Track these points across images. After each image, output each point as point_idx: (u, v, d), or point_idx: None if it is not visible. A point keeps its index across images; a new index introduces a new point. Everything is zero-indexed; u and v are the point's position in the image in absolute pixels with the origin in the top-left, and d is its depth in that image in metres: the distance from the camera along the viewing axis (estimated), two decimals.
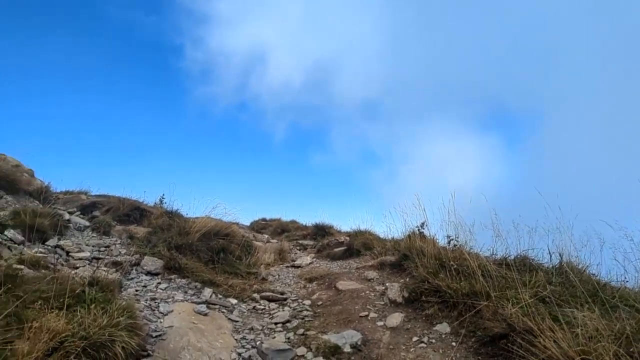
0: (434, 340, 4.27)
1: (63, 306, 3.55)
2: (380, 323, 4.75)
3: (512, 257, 6.14)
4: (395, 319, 4.76)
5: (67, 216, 7.76)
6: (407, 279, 5.78)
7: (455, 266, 4.97)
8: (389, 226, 8.71)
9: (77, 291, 3.86)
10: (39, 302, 3.40)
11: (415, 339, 4.35)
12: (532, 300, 4.26)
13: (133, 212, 8.47)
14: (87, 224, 7.82)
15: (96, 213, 8.50)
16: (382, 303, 5.26)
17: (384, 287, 5.72)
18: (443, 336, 4.34)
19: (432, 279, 4.94)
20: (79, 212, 8.35)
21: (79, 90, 35.63)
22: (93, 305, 3.64)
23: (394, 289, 5.38)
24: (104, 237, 7.35)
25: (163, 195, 10.10)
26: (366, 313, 5.00)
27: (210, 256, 7.07)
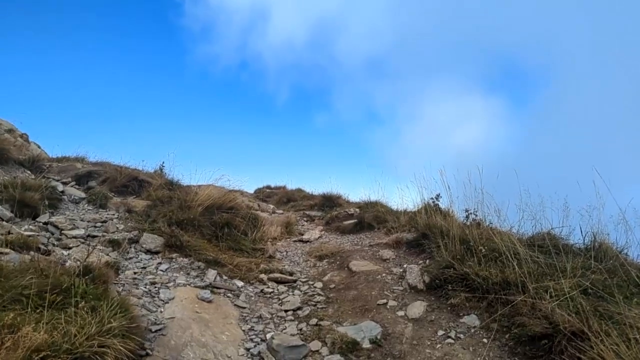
0: (462, 335, 3.87)
1: (48, 305, 3.13)
2: (400, 313, 4.34)
3: (537, 235, 5.73)
4: (417, 308, 4.35)
5: (60, 187, 7.29)
6: (427, 261, 5.34)
7: (484, 251, 4.50)
8: (401, 197, 8.20)
9: (64, 286, 3.42)
10: (19, 303, 2.97)
11: (441, 333, 3.95)
12: (574, 292, 3.82)
13: (131, 183, 7.98)
14: (83, 195, 7.36)
15: (92, 183, 8.02)
16: (401, 289, 4.84)
17: (401, 270, 5.30)
18: (472, 330, 3.94)
19: (459, 265, 4.49)
20: (74, 183, 7.87)
21: (73, 47, 34.27)
22: (82, 303, 3.21)
23: (414, 273, 4.94)
24: (100, 210, 6.90)
25: (163, 163, 9.61)
26: (384, 300, 4.59)
27: (214, 231, 6.64)
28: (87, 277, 3.78)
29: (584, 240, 5.41)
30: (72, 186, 7.68)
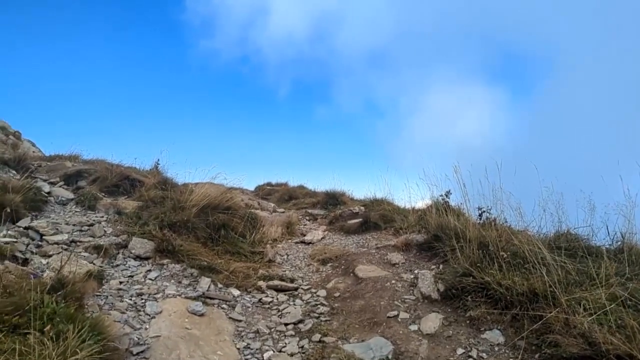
0: (485, 355, 3.41)
1: (8, 330, 2.70)
2: (413, 327, 3.89)
3: (560, 236, 5.25)
4: (432, 321, 3.89)
5: (47, 188, 6.86)
6: (441, 266, 4.88)
7: (507, 257, 4.03)
8: (408, 193, 7.73)
9: (30, 304, 2.98)
10: None
11: (460, 351, 3.49)
12: (611, 305, 3.35)
13: (123, 182, 7.54)
14: (71, 196, 6.93)
15: (82, 183, 7.58)
16: (413, 298, 4.38)
17: (412, 276, 4.84)
18: (496, 348, 3.48)
19: (478, 272, 4.02)
20: (62, 183, 7.43)
21: (72, 42, 33.81)
22: (49, 327, 2.77)
23: (427, 280, 4.49)
24: (88, 212, 6.46)
25: (158, 160, 9.17)
26: (395, 312, 4.13)
27: (210, 234, 6.20)
28: (59, 293, 3.35)
29: (612, 242, 4.94)
30: (60, 186, 7.25)
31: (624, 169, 4.76)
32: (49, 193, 6.77)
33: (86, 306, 3.72)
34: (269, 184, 12.26)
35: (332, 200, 9.31)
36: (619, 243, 4.89)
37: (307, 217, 8.78)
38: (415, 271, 4.94)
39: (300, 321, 4.24)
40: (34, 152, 11.86)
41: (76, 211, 6.43)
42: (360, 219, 7.48)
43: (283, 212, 8.88)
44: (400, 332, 3.84)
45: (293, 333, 4.05)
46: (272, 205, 9.51)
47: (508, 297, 3.75)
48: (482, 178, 5.43)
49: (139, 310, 4.01)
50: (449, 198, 7.16)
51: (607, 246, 4.89)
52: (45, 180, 7.28)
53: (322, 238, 7.15)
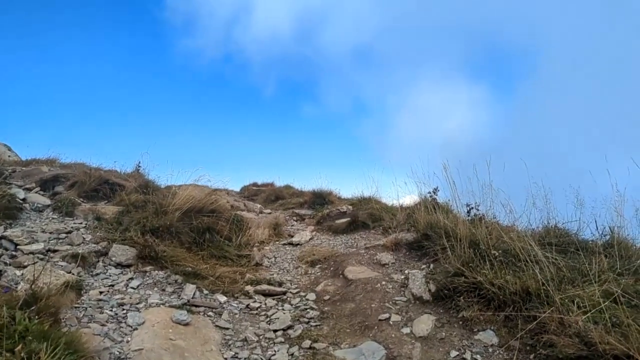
0: (479, 357, 3.33)
1: None
2: (406, 330, 3.79)
3: (550, 231, 5.23)
4: (425, 323, 3.80)
5: (22, 194, 6.57)
6: (431, 266, 4.81)
7: (499, 256, 3.97)
8: (397, 191, 7.63)
9: (1, 322, 2.79)
10: None
11: (454, 354, 3.41)
12: (605, 302, 3.31)
13: (102, 187, 7.29)
14: (48, 202, 6.65)
15: (59, 188, 7.30)
16: (404, 299, 4.30)
17: (403, 277, 4.75)
18: (490, 349, 3.41)
19: (469, 272, 3.95)
20: (38, 189, 7.14)
21: (49, 44, 32.88)
22: (20, 347, 2.59)
23: (418, 281, 4.40)
24: (66, 219, 6.21)
25: (139, 163, 8.93)
26: (386, 315, 4.04)
27: (194, 238, 6.02)
28: (32, 308, 3.16)
29: (601, 237, 4.93)
30: (36, 192, 6.96)
31: (612, 163, 4.76)
32: (24, 200, 6.49)
33: (63, 320, 3.52)
34: (254, 185, 12.08)
35: (320, 199, 9.19)
36: (608, 237, 4.89)
37: (295, 218, 8.64)
38: (406, 271, 4.85)
39: (290, 327, 4.11)
40: (9, 156, 11.44)
41: (53, 218, 6.18)
42: (348, 218, 7.38)
43: (270, 213, 8.73)
44: (393, 335, 3.74)
45: (282, 340, 3.92)
46: (259, 206, 9.35)
47: (501, 297, 3.68)
48: (469, 174, 5.39)
49: (120, 322, 3.83)
50: (436, 195, 7.13)
51: (595, 240, 4.88)
52: (20, 186, 6.99)
53: (310, 239, 7.02)
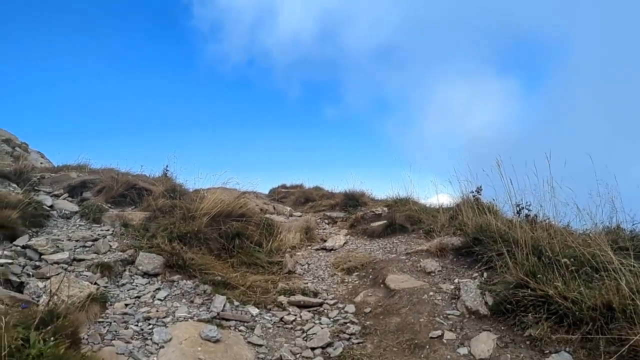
0: None
1: None
2: (463, 350, 3.32)
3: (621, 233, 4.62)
4: (485, 343, 3.31)
5: (49, 201, 6.45)
6: (485, 275, 4.29)
7: (569, 264, 3.43)
8: (436, 190, 7.08)
9: (12, 345, 2.50)
10: None
11: None
12: None
13: (129, 192, 7.10)
14: (75, 209, 6.51)
15: (87, 194, 7.17)
16: (457, 313, 3.81)
17: (453, 287, 4.26)
18: None
19: (535, 283, 3.43)
20: (66, 195, 7.02)
21: (80, 51, 33.79)
22: None
23: (471, 292, 3.91)
24: (93, 225, 6.02)
25: (167, 166, 8.75)
26: (439, 332, 3.56)
27: (223, 244, 5.72)
28: (49, 327, 2.87)
29: None
30: (63, 199, 6.84)
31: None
32: (51, 206, 6.37)
33: (84, 338, 3.24)
34: (283, 187, 11.74)
35: (352, 201, 8.73)
36: None
37: (326, 221, 8.23)
38: (456, 280, 4.36)
39: (329, 344, 3.71)
40: (41, 163, 11.55)
41: (80, 225, 6.00)
42: (385, 221, 6.91)
43: (300, 216, 8.35)
44: (448, 356, 3.27)
45: (322, 359, 3.51)
46: (288, 209, 9.00)
47: (576, 313, 3.15)
48: (509, 171, 4.88)
49: (146, 339, 3.53)
50: (480, 194, 6.57)
51: None
52: (48, 193, 6.88)
53: (344, 243, 6.60)
